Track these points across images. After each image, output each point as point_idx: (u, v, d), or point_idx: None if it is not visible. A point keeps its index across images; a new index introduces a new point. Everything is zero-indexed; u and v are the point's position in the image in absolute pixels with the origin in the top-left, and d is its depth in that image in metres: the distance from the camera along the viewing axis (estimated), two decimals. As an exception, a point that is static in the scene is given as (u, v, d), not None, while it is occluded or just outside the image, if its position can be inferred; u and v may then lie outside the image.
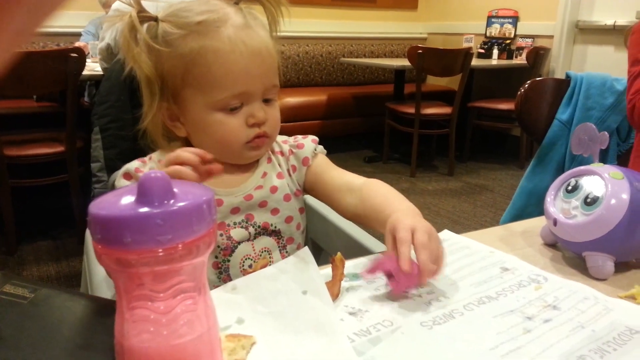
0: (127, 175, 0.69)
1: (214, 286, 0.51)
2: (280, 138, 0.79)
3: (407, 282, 0.53)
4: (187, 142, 0.73)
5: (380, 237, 0.75)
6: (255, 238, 0.74)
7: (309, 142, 0.79)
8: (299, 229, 0.78)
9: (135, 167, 0.70)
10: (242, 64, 0.65)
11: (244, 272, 0.72)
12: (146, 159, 0.73)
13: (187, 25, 0.65)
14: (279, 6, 0.71)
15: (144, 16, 0.66)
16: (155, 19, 0.67)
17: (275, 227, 0.75)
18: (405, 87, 3.84)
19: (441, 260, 0.56)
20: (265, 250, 0.75)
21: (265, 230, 0.74)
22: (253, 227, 0.73)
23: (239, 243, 0.72)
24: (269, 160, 0.77)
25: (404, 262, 0.52)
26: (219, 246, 0.71)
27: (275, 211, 0.75)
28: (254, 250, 0.74)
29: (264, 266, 0.54)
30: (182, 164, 0.57)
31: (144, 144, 0.74)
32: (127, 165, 0.71)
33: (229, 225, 0.72)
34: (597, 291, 0.56)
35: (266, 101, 0.70)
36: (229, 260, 0.72)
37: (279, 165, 0.77)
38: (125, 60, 0.68)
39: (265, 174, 0.75)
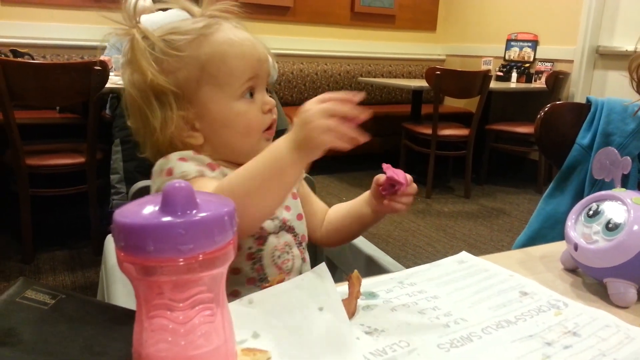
0: (183, 159, 0.68)
1: (247, 278, 0.50)
2: None
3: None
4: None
5: (397, 258, 0.77)
6: (279, 231, 0.76)
7: None
8: (306, 228, 0.81)
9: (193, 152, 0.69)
10: (252, 48, 0.71)
11: (276, 266, 0.75)
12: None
13: (192, 30, 0.70)
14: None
15: (144, 36, 0.69)
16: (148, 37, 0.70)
17: (291, 223, 0.77)
18: (422, 107, 3.85)
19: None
20: (287, 245, 0.77)
21: (284, 226, 0.77)
22: (277, 220, 0.75)
23: (268, 234, 0.74)
24: None
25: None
26: (252, 236, 0.72)
27: (288, 208, 0.78)
28: (279, 242, 0.76)
29: (281, 281, 0.54)
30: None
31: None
32: (182, 152, 0.69)
33: None
34: (618, 319, 0.55)
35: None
36: (262, 250, 0.73)
37: None
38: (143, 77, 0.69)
39: None
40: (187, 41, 0.69)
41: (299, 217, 0.80)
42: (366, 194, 0.81)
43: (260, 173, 0.58)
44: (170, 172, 0.66)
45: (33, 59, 2.72)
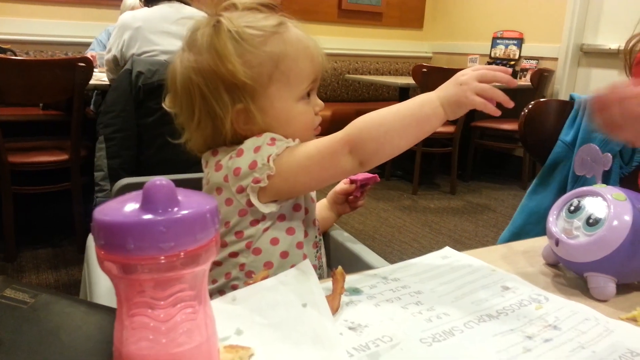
0: (274, 139, 0.70)
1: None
2: None
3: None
4: None
5: (382, 254, 0.83)
6: None
7: None
8: None
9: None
10: (318, 52, 0.75)
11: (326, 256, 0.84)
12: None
13: (267, 26, 0.71)
14: None
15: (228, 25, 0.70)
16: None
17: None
18: (409, 105, 3.86)
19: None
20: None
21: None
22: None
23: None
24: None
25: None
26: (316, 227, 0.80)
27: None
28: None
29: (265, 277, 0.54)
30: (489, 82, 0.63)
31: (189, 148, 0.77)
32: (273, 134, 0.71)
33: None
34: (598, 312, 0.56)
35: None
36: (321, 240, 0.82)
37: None
38: (183, 69, 0.70)
39: None
40: (264, 37, 0.70)
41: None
42: (324, 202, 0.93)
43: (406, 115, 0.65)
44: (272, 144, 0.69)
45: (16, 55, 2.68)
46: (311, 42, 0.74)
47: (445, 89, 0.64)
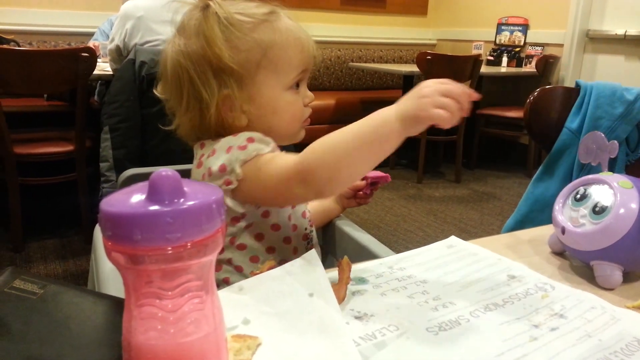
0: (251, 139, 0.69)
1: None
2: None
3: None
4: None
5: (388, 243, 0.83)
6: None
7: None
8: None
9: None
10: (309, 43, 0.74)
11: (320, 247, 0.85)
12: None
13: (257, 14, 0.71)
14: None
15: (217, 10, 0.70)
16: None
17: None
18: (413, 93, 3.84)
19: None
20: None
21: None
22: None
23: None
24: None
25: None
26: (306, 218, 0.80)
27: None
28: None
29: (271, 267, 0.54)
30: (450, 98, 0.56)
31: (180, 135, 0.76)
32: (251, 133, 0.70)
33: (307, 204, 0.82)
34: (604, 301, 0.56)
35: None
36: (312, 231, 0.82)
37: None
38: (181, 53, 0.70)
39: None
40: (253, 24, 0.70)
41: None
42: None
43: (364, 135, 0.60)
44: (244, 148, 0.67)
45: (19, 45, 2.68)
46: (302, 33, 0.74)
47: (406, 102, 0.58)
